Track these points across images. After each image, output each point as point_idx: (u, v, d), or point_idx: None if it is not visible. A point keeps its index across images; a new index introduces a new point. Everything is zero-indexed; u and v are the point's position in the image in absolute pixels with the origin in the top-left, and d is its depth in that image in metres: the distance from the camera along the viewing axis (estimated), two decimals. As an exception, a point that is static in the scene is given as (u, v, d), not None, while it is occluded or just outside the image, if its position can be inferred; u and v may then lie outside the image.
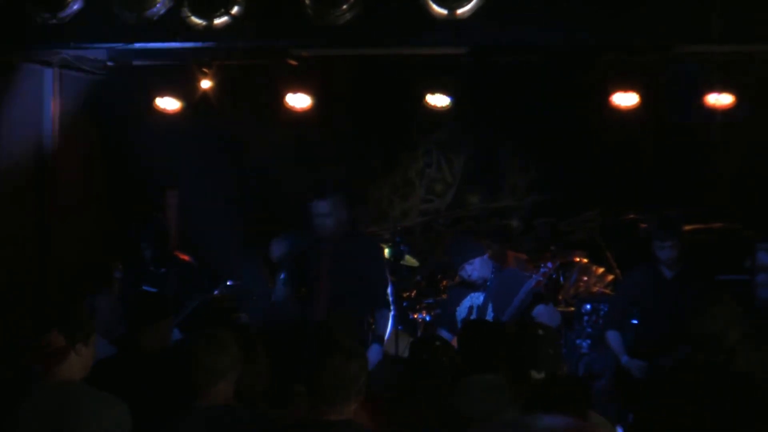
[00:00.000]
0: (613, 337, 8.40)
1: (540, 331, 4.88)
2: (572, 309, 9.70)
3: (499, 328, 6.63)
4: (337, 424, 4.71)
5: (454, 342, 7.91)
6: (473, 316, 8.18)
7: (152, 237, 9.13)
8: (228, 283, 9.15)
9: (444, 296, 9.60)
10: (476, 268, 8.22)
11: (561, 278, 10.06)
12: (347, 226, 8.41)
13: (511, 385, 4.88)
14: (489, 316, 8.10)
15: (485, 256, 8.32)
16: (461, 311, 8.29)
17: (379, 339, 8.22)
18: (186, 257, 9.34)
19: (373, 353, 7.94)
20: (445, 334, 8.26)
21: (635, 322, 8.54)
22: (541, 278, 8.23)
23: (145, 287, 8.95)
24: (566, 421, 4.57)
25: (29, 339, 4.86)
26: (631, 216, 10.27)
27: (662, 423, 5.12)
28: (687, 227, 9.73)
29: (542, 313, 8.05)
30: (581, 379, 7.44)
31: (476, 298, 8.25)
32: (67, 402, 4.70)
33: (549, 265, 8.37)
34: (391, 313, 8.61)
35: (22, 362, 5.33)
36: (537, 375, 4.70)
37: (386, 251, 9.92)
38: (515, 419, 4.64)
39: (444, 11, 7.91)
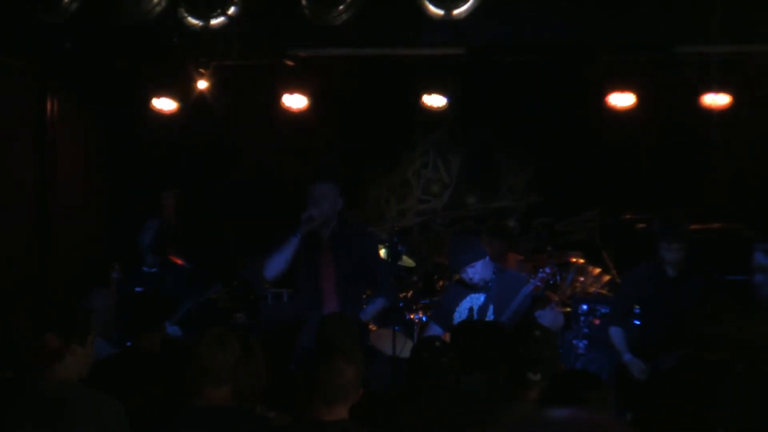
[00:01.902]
0: (615, 334, 8.39)
1: (537, 333, 4.87)
2: (569, 309, 9.69)
3: (494, 329, 6.62)
4: (334, 424, 4.71)
5: (446, 338, 7.91)
6: (474, 317, 8.16)
7: (150, 237, 9.13)
8: (218, 286, 9.12)
9: (440, 296, 9.59)
10: (478, 271, 8.19)
11: (557, 279, 10.06)
12: (339, 218, 8.40)
13: (508, 385, 4.87)
14: (489, 317, 8.07)
15: (487, 259, 8.29)
16: (461, 311, 8.26)
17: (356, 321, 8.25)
18: (180, 261, 9.34)
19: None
20: (436, 329, 8.24)
21: (637, 323, 8.54)
22: (540, 283, 8.21)
23: (137, 288, 8.94)
24: (582, 414, 4.58)
25: (27, 339, 4.85)
26: (629, 216, 10.26)
27: (663, 423, 5.12)
28: (686, 227, 9.74)
29: (545, 315, 8.02)
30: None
31: (476, 299, 8.22)
32: (63, 402, 4.69)
33: (548, 270, 8.34)
34: (383, 303, 8.52)
35: (20, 362, 5.31)
36: (533, 377, 4.69)
37: (383, 251, 9.92)
38: (532, 413, 4.64)
39: (440, 11, 7.91)
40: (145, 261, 9.17)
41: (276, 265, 8.25)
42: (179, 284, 8.93)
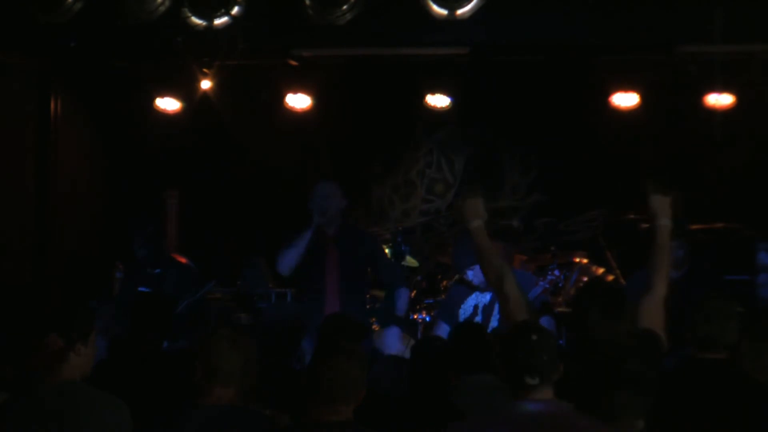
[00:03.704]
0: None
1: (534, 336, 4.84)
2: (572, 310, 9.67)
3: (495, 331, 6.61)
4: (337, 424, 4.69)
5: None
6: (479, 317, 8.13)
7: (146, 238, 9.12)
8: (211, 284, 9.13)
9: (443, 296, 9.57)
10: (477, 274, 8.11)
11: (561, 279, 10.04)
12: (343, 217, 8.49)
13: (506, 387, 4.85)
14: (495, 317, 8.05)
15: None
16: (466, 309, 8.23)
17: (399, 320, 8.31)
18: (183, 260, 9.33)
19: (391, 335, 8.04)
20: (444, 327, 8.22)
21: None
22: (548, 285, 8.18)
23: (141, 288, 8.94)
24: (548, 406, 4.58)
25: (28, 340, 4.85)
26: (632, 216, 10.23)
27: (663, 423, 5.11)
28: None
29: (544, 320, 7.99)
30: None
31: (482, 298, 8.18)
32: (68, 402, 4.69)
33: (556, 272, 8.31)
34: (407, 293, 8.64)
35: (22, 363, 5.32)
36: (531, 381, 4.66)
37: (387, 251, 9.92)
38: (503, 407, 4.64)
39: (444, 11, 7.91)
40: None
41: (289, 260, 8.42)
42: (181, 283, 8.93)
